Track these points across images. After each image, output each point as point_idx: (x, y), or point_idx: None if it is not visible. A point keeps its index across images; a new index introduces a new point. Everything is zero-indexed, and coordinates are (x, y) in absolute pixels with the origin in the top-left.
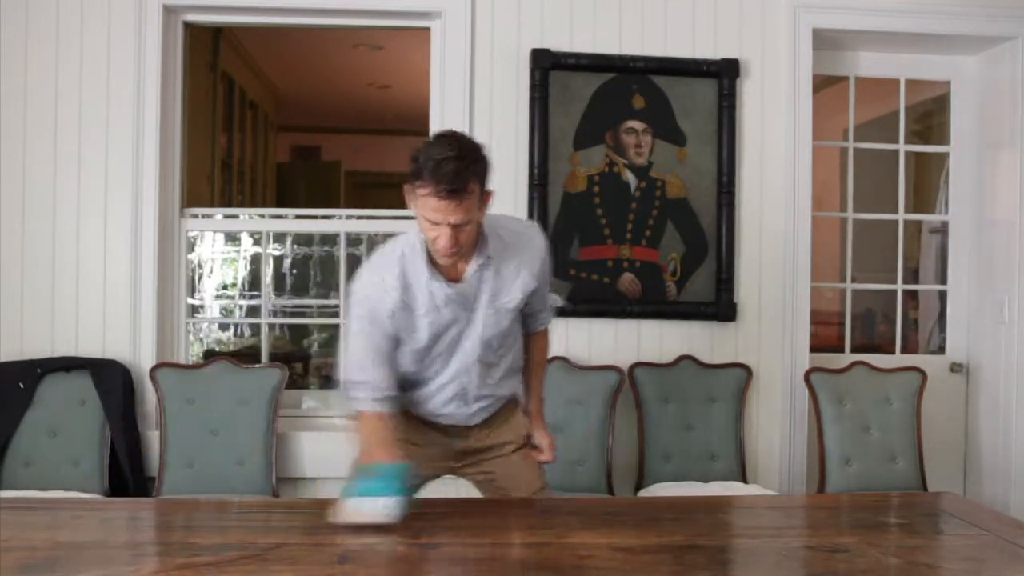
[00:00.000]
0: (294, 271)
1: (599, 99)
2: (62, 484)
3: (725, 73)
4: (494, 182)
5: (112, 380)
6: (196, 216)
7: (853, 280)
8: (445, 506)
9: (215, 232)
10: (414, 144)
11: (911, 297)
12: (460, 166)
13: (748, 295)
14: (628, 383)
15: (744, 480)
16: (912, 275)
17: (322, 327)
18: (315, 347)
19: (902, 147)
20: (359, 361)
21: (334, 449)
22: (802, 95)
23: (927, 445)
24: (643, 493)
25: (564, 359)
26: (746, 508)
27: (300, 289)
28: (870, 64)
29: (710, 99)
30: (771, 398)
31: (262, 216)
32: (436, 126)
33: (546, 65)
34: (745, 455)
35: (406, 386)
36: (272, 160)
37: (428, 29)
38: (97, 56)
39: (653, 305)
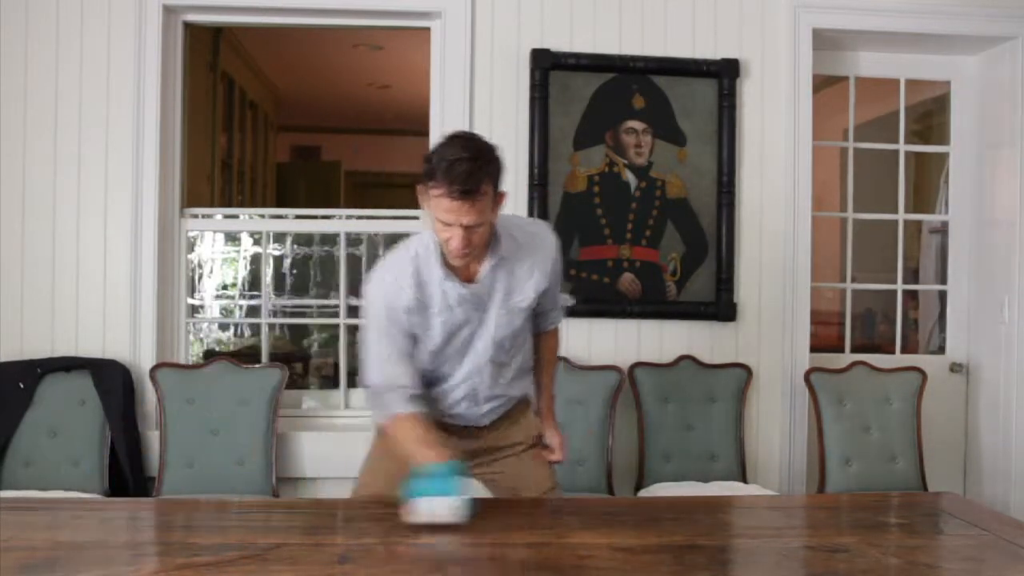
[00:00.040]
0: (294, 271)
1: (599, 99)
2: (62, 484)
3: (725, 73)
4: None
5: (112, 380)
6: (196, 216)
7: (853, 280)
8: None
9: (215, 232)
10: (414, 144)
11: (911, 297)
12: (473, 167)
13: (748, 295)
14: (628, 383)
15: (744, 480)
16: (912, 275)
17: (322, 327)
18: (315, 347)
19: (902, 147)
20: (383, 363)
21: (334, 449)
22: (802, 95)
23: (927, 445)
24: (643, 493)
25: (564, 359)
26: (746, 508)
27: (300, 289)
28: (870, 64)
29: (710, 99)
30: (771, 398)
31: (262, 216)
32: (436, 126)
33: (546, 65)
34: (745, 455)
35: (429, 385)
36: (272, 160)
37: (428, 29)
38: (97, 56)
39: (653, 305)
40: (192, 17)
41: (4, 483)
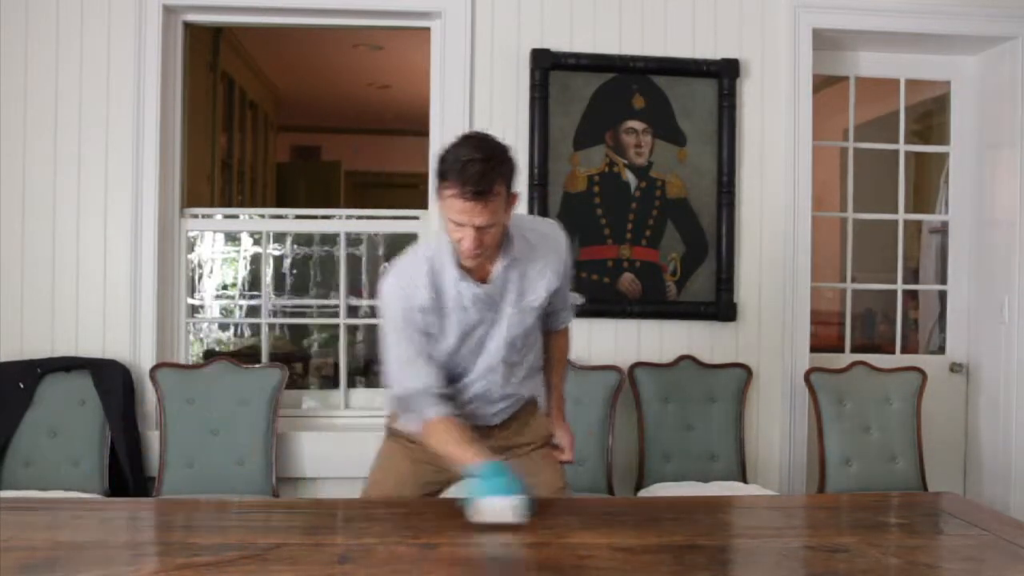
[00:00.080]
0: (294, 271)
1: (599, 99)
2: (62, 484)
3: (725, 73)
4: None
5: (112, 380)
6: (196, 216)
7: (853, 280)
8: (445, 506)
9: (215, 232)
10: (414, 144)
11: (911, 297)
12: (486, 168)
13: (748, 295)
14: (628, 383)
15: (744, 480)
16: (912, 275)
17: (322, 327)
18: (315, 347)
19: (902, 147)
20: (404, 365)
21: (334, 449)
22: (802, 95)
23: (927, 445)
24: (643, 493)
25: None
26: (746, 508)
27: (300, 289)
28: (870, 64)
29: (710, 99)
30: (771, 398)
31: (262, 216)
32: (436, 126)
33: (546, 65)
34: (745, 455)
35: None
36: (272, 160)
37: (428, 29)
38: (97, 56)
39: (653, 305)
40: (192, 17)
41: (4, 483)
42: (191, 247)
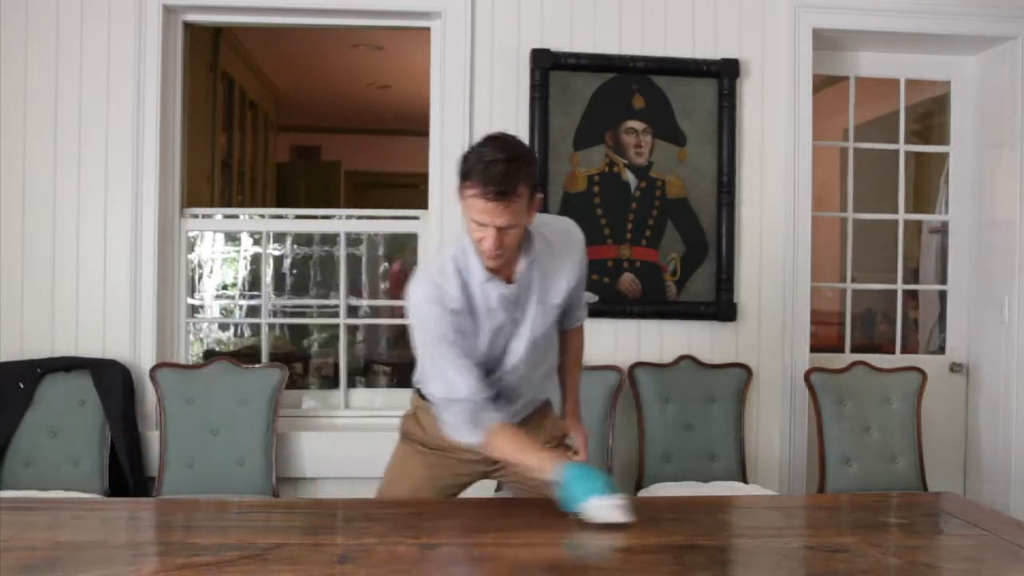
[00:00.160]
0: (294, 271)
1: (599, 99)
2: (62, 484)
3: (725, 73)
4: None
5: (112, 380)
6: (196, 216)
7: (853, 280)
8: (445, 506)
9: (215, 232)
10: (414, 144)
11: (911, 297)
12: (509, 168)
13: (748, 295)
14: (628, 383)
15: (744, 480)
16: (912, 275)
17: (322, 327)
18: (315, 347)
19: (902, 147)
20: (454, 375)
21: (334, 449)
22: (802, 95)
23: (927, 445)
24: (643, 493)
25: None
26: (746, 508)
27: (300, 289)
28: (870, 64)
29: (710, 99)
30: (771, 398)
31: (262, 216)
32: (436, 126)
33: (546, 65)
34: (745, 455)
35: None
36: (272, 160)
37: (428, 29)
38: (97, 56)
39: (653, 305)
40: (192, 17)
41: (4, 483)
42: (191, 247)
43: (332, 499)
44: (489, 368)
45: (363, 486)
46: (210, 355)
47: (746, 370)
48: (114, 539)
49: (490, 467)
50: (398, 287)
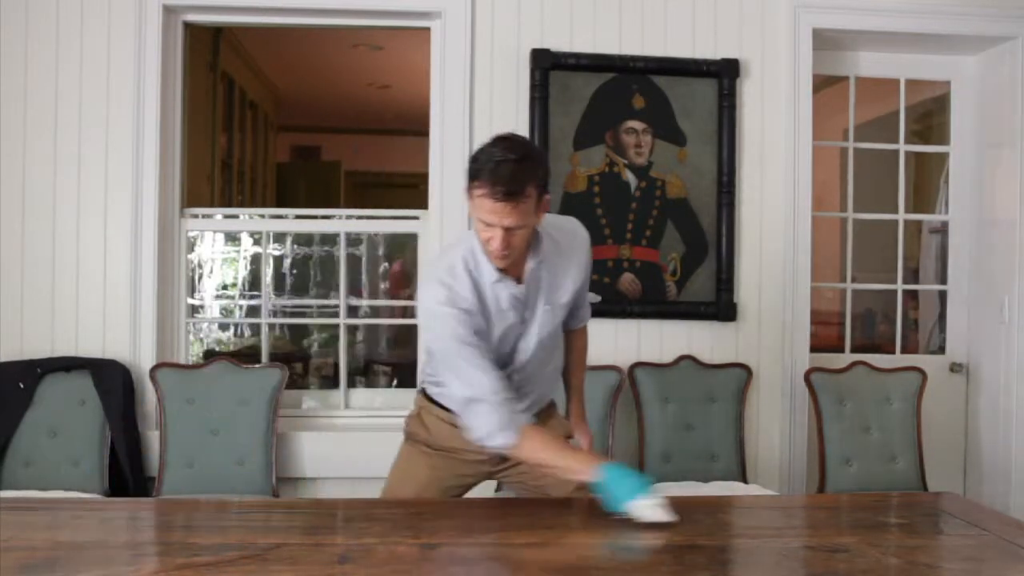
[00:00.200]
0: (294, 271)
1: (599, 99)
2: (62, 484)
3: (725, 73)
4: None
5: (112, 380)
6: (196, 216)
7: (853, 280)
8: (445, 506)
9: (215, 232)
10: (414, 144)
11: (911, 297)
12: (518, 169)
13: (748, 295)
14: (628, 383)
15: (744, 480)
16: (912, 275)
17: (322, 327)
18: (315, 347)
19: (902, 147)
20: (477, 376)
21: (334, 449)
22: (802, 95)
23: (927, 445)
24: None
25: None
26: (746, 508)
27: (300, 289)
28: (870, 64)
29: (710, 99)
30: (771, 398)
31: (262, 216)
32: (436, 126)
33: (546, 65)
34: (745, 455)
35: None
36: (272, 160)
37: (428, 29)
38: (97, 56)
39: (653, 305)
40: (192, 17)
41: (4, 483)
42: (191, 247)
43: (332, 499)
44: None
45: (363, 486)
46: (210, 355)
47: (746, 370)
48: (114, 539)
49: (495, 467)
50: (398, 287)
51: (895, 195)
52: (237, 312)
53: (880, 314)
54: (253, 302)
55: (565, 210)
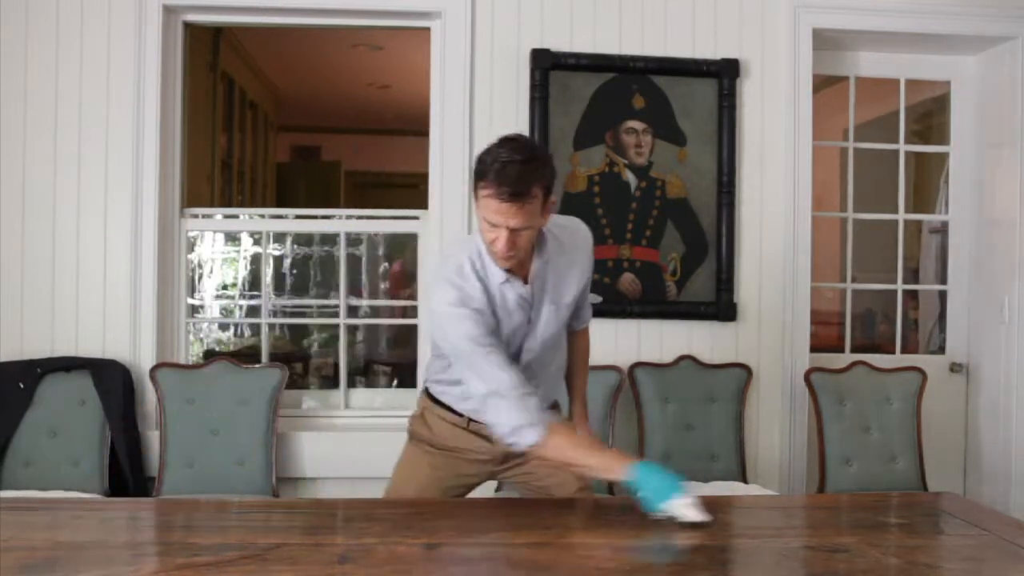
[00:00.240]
0: (294, 271)
1: (599, 99)
2: (62, 484)
3: (725, 73)
4: None
5: (112, 380)
6: (196, 216)
7: (853, 280)
8: (446, 506)
9: (215, 232)
10: (414, 144)
11: (911, 297)
12: (525, 169)
13: (748, 295)
14: (628, 383)
15: (744, 480)
16: (912, 275)
17: (322, 327)
18: (315, 347)
19: (902, 147)
20: (492, 377)
21: (334, 449)
22: (802, 95)
23: (927, 445)
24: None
25: None
26: (746, 508)
27: (300, 289)
28: (870, 64)
29: (710, 99)
30: (771, 398)
31: (262, 216)
32: (436, 126)
33: (546, 65)
34: (745, 455)
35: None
36: (272, 160)
37: (428, 29)
38: (97, 56)
39: (653, 305)
40: (192, 17)
41: (4, 483)
42: (191, 247)
43: (332, 499)
44: None
45: (363, 486)
46: (210, 355)
47: (746, 370)
48: (114, 539)
49: (497, 467)
50: (398, 287)
51: (895, 195)
52: (237, 312)
53: (880, 314)
54: (253, 302)
55: (565, 210)
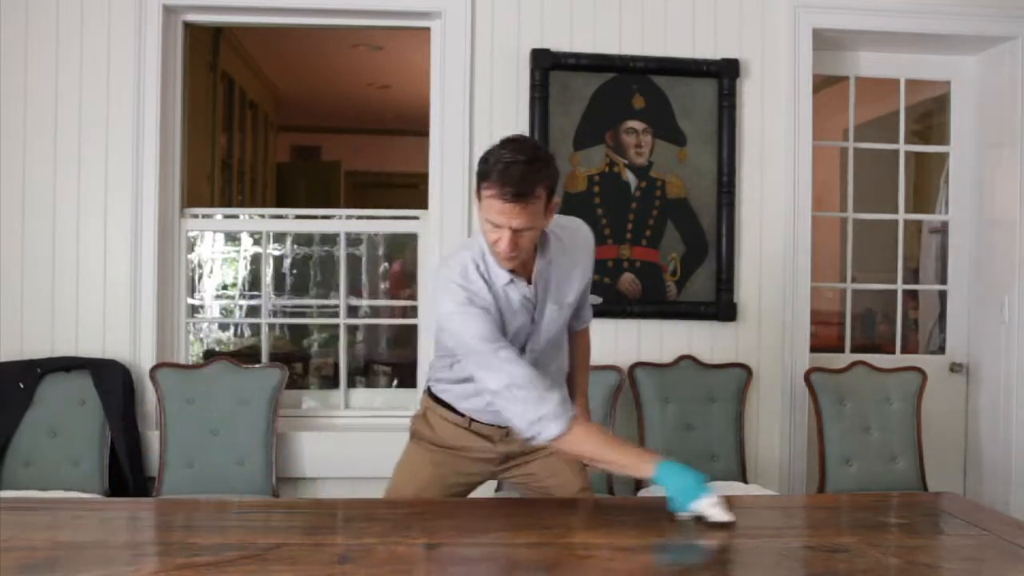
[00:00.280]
0: (294, 271)
1: (599, 99)
2: (62, 484)
3: (725, 73)
4: None
5: (112, 380)
6: (196, 216)
7: (853, 280)
8: (446, 506)
9: (215, 232)
10: (414, 144)
11: (911, 297)
12: (528, 170)
13: (748, 295)
14: (628, 383)
15: (744, 480)
16: (912, 275)
17: (322, 327)
18: (315, 347)
19: (902, 147)
20: (507, 371)
21: (334, 449)
22: (802, 95)
23: (927, 445)
24: (643, 493)
25: None
26: (746, 508)
27: (300, 289)
28: (870, 64)
29: (710, 99)
30: (771, 398)
31: (262, 216)
32: (436, 126)
33: (546, 65)
34: (745, 455)
35: (468, 380)
36: (272, 160)
37: (428, 29)
38: (97, 56)
39: (653, 305)
40: (192, 17)
41: (4, 483)
42: (191, 247)
43: (332, 499)
44: None
45: (363, 486)
46: (210, 355)
47: (746, 370)
48: (114, 539)
49: (498, 467)
50: (398, 287)
51: (895, 195)
52: (237, 312)
53: (880, 314)
54: (253, 302)
55: (565, 210)
